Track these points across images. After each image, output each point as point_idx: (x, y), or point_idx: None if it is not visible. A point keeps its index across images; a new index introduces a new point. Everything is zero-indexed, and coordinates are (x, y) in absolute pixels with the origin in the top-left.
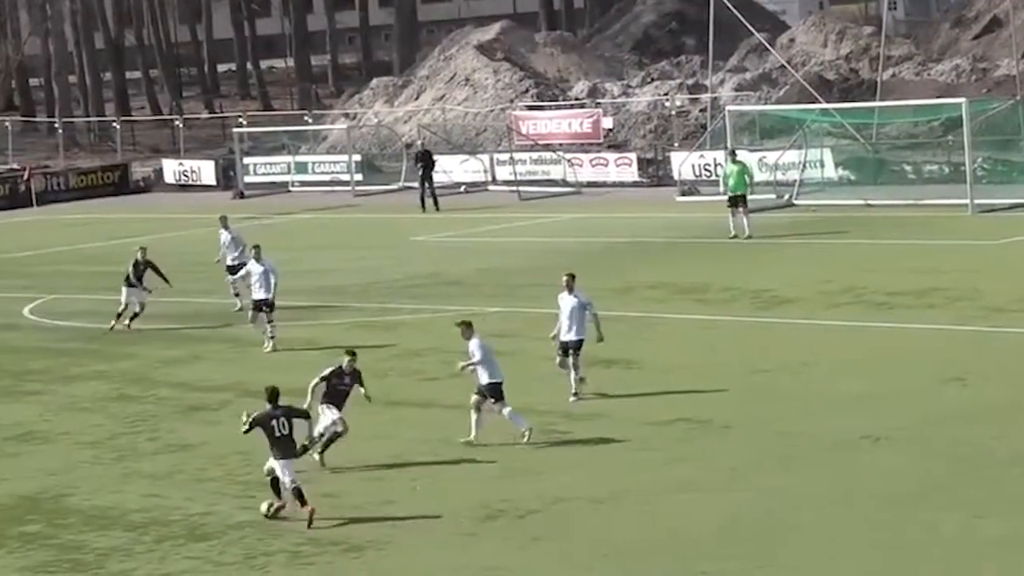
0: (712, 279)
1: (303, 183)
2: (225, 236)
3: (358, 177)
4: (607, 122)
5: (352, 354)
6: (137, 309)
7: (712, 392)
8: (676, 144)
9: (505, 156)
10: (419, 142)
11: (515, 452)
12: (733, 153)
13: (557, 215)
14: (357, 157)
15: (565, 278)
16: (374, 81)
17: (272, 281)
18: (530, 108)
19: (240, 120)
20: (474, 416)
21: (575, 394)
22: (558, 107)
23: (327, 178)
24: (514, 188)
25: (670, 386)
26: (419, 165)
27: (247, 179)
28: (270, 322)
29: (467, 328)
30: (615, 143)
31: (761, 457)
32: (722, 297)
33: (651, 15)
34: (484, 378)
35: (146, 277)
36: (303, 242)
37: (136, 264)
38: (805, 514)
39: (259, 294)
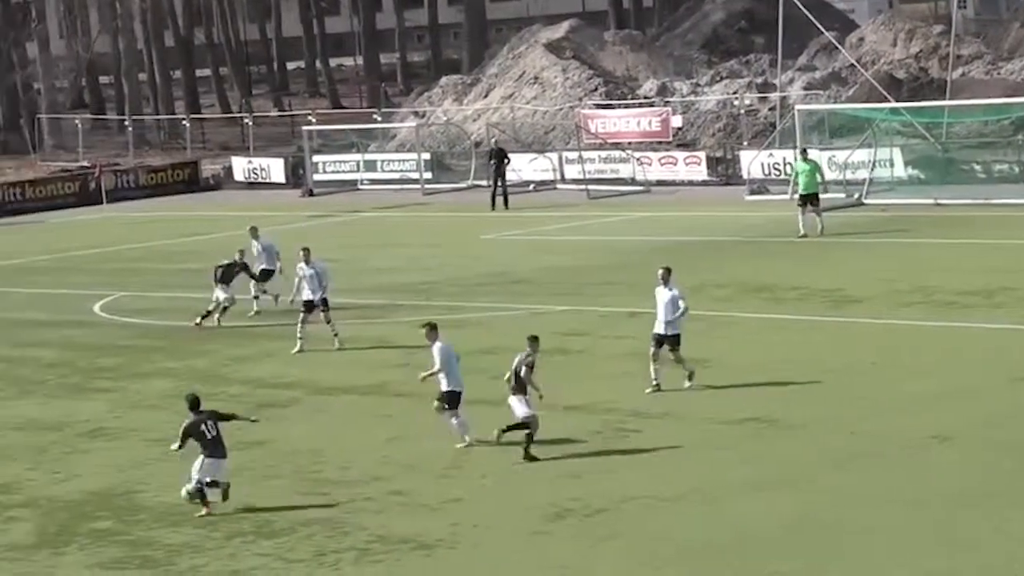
0: (782, 278)
1: (372, 181)
2: (256, 246)
3: (427, 175)
4: (676, 120)
5: (534, 339)
6: (226, 305)
7: (781, 391)
8: (745, 143)
9: (574, 154)
10: (492, 140)
11: (584, 451)
12: (804, 152)
13: (626, 214)
14: (426, 155)
15: (660, 272)
16: (443, 79)
17: (323, 284)
18: (599, 107)
19: (309, 118)
20: (452, 422)
21: (656, 386)
22: (627, 106)
23: (396, 176)
24: (583, 186)
25: (740, 385)
26: (492, 162)
27: (316, 177)
28: (328, 321)
29: (431, 331)
30: (684, 142)
31: (830, 457)
32: (792, 296)
33: (720, 14)
34: (443, 385)
35: (236, 279)
36: (372, 240)
37: (232, 264)
38: (874, 514)
39: (307, 295)
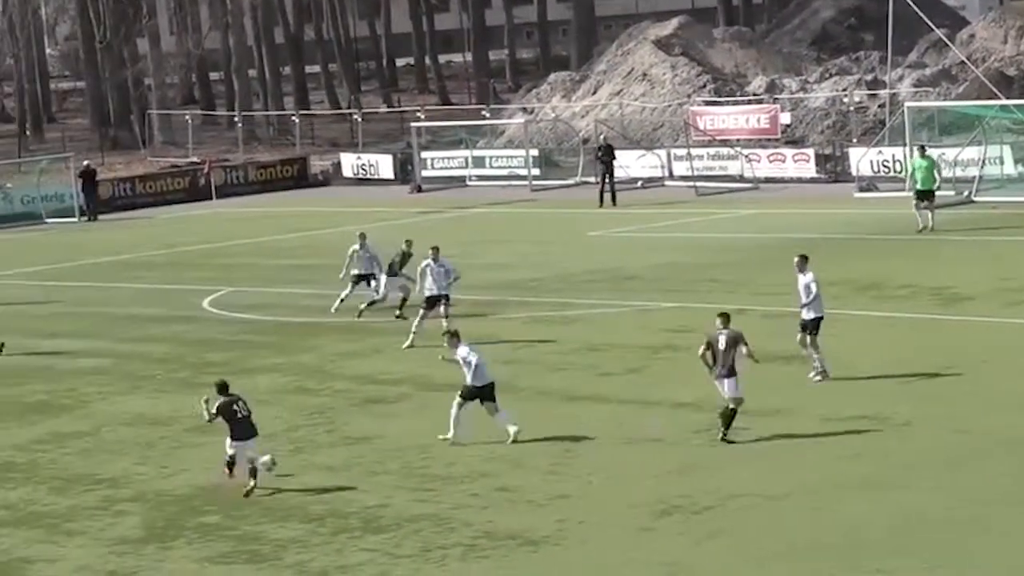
0: (890, 276)
1: (480, 177)
2: (359, 250)
3: (535, 172)
4: (785, 118)
5: (725, 316)
6: (402, 294)
7: (891, 389)
8: (854, 140)
9: (682, 151)
10: (601, 136)
11: (691, 447)
12: (922, 148)
13: (734, 211)
14: (534, 152)
15: (796, 260)
16: (551, 76)
17: (450, 279)
18: (708, 103)
19: (418, 114)
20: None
21: (819, 371)
22: (736, 102)
23: (504, 172)
24: (691, 183)
25: (849, 382)
26: (601, 158)
27: (424, 173)
28: (446, 316)
29: (452, 338)
30: (793, 139)
31: (939, 455)
32: (900, 294)
33: (830, 10)
34: (467, 379)
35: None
36: (481, 236)
37: (403, 255)
38: (982, 513)
39: (432, 290)
